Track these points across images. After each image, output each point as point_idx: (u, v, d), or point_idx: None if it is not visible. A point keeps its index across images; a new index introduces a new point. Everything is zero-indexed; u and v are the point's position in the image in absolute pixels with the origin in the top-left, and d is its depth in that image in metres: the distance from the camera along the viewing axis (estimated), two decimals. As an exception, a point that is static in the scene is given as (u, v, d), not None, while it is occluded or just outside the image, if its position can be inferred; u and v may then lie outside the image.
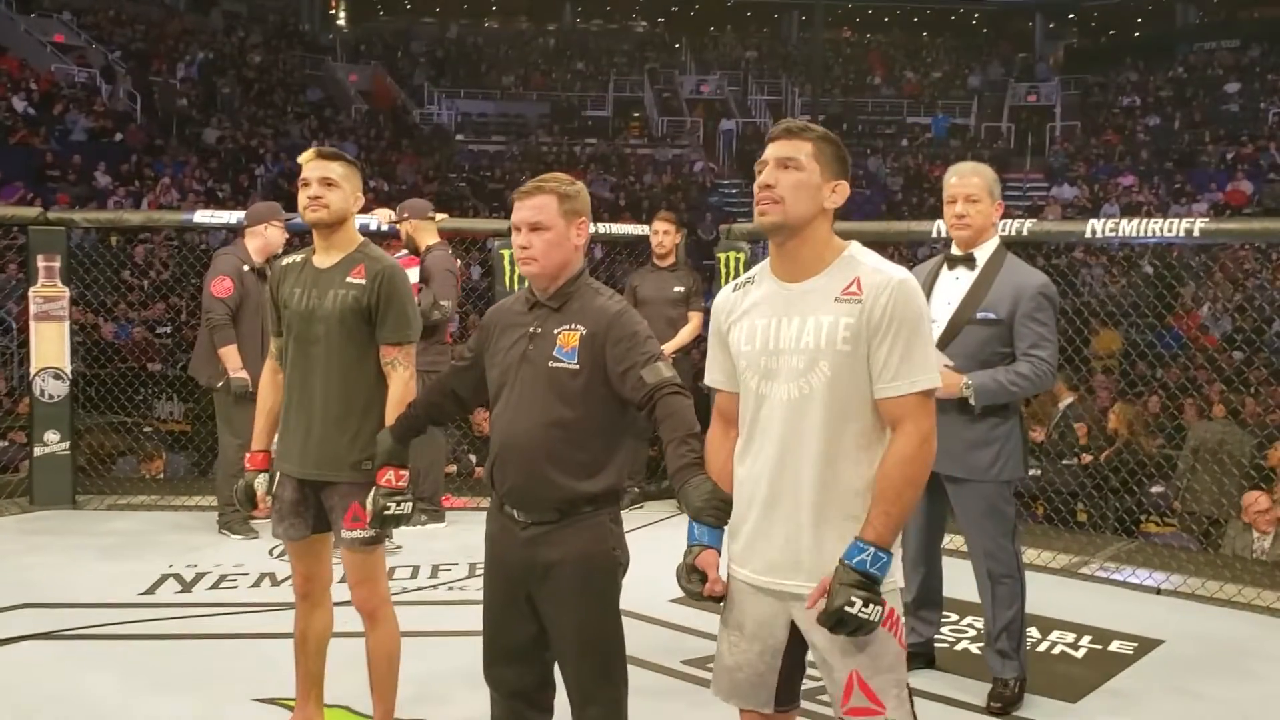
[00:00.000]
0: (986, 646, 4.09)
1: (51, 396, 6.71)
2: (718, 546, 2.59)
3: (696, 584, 2.58)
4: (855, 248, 2.45)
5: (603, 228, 7.68)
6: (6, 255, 11.09)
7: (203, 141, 21.92)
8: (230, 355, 6.06)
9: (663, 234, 6.81)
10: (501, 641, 3.02)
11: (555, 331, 2.87)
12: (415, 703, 3.78)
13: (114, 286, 9.13)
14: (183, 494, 7.19)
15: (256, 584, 5.36)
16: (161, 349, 11.97)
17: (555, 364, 2.84)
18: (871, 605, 2.26)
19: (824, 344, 2.36)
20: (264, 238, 6.24)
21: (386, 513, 3.19)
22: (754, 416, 2.48)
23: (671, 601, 4.97)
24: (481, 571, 5.48)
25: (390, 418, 3.30)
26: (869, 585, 2.27)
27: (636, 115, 28.88)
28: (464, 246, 10.27)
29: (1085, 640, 4.71)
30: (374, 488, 3.23)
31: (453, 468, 8.12)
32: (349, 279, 3.33)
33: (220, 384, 6.12)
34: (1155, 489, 8.03)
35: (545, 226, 2.85)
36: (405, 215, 6.44)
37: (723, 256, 6.90)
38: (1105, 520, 7.33)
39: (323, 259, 3.41)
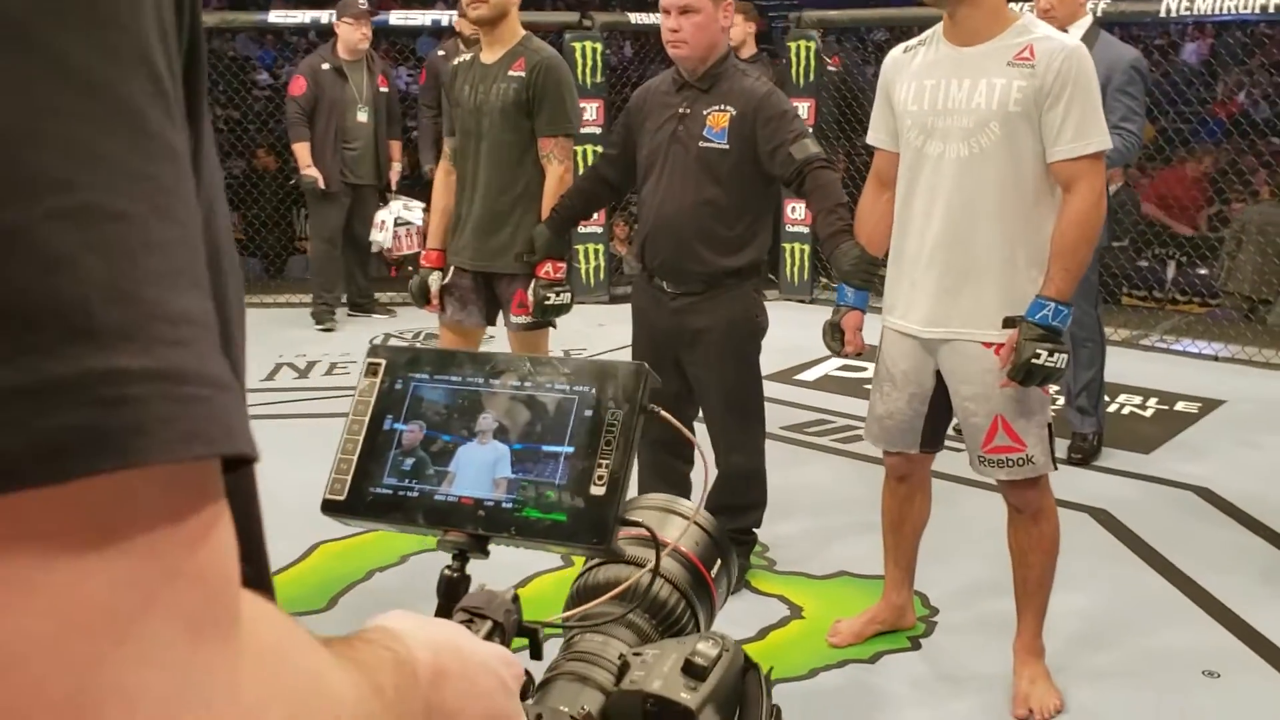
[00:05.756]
0: (1067, 405, 4.42)
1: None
2: (863, 308, 2.86)
3: (837, 342, 2.86)
4: (1028, 17, 2.58)
5: (634, 18, 7.46)
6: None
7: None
8: (301, 152, 6.26)
9: (739, 25, 6.72)
10: (650, 399, 3.33)
11: (705, 112, 3.05)
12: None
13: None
14: (271, 292, 7.52)
15: (367, 370, 5.71)
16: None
17: (705, 144, 3.04)
18: (1057, 354, 2.47)
19: (995, 105, 2.49)
20: (338, 34, 6.36)
21: (547, 303, 3.38)
22: (915, 175, 2.63)
23: (764, 378, 5.30)
24: (577, 357, 5.88)
25: (546, 211, 3.42)
26: (1053, 337, 2.48)
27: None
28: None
29: (1152, 402, 5.05)
30: (534, 279, 3.40)
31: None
32: (510, 72, 3.38)
33: (293, 180, 6.35)
34: (1200, 271, 8.25)
35: (694, 9, 2.99)
36: None
37: (793, 45, 6.95)
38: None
39: (488, 54, 3.46)
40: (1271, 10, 5.21)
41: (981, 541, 3.33)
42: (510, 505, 0.81)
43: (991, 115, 2.51)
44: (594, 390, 0.82)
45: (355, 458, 0.86)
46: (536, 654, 0.82)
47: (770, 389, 5.23)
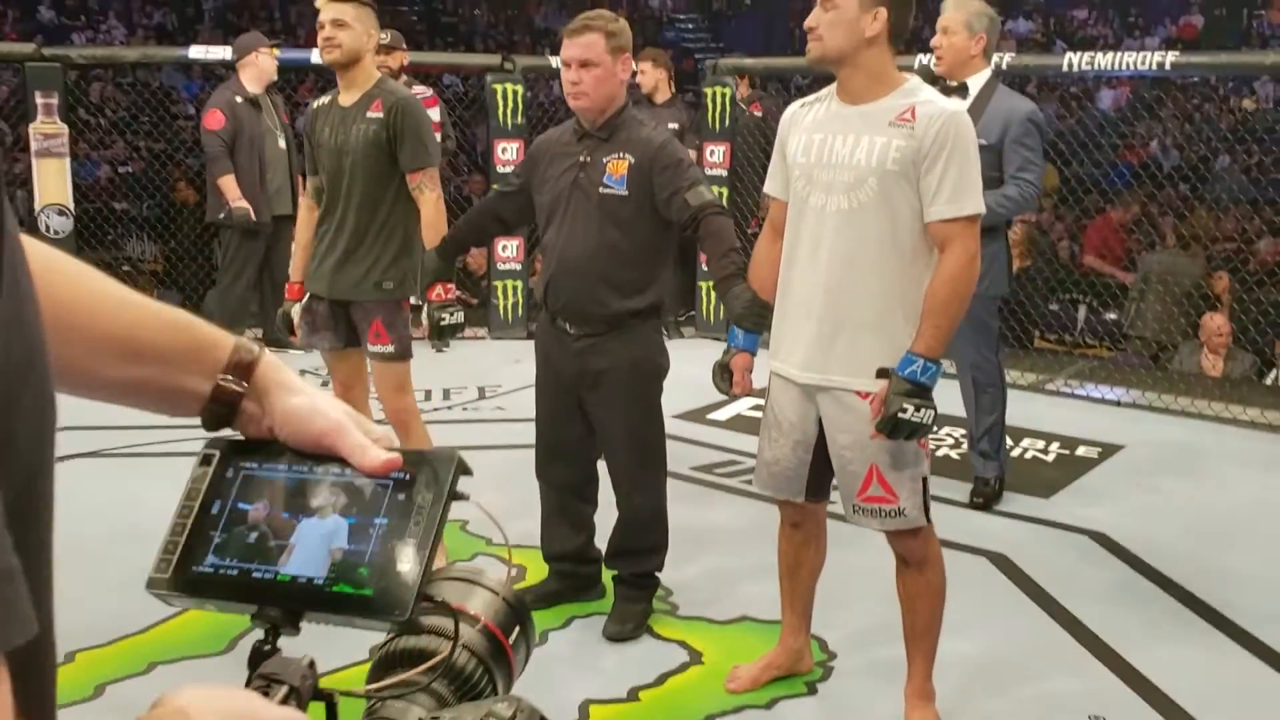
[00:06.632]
0: (970, 449, 4.51)
1: (57, 232, 6.85)
2: (752, 350, 2.92)
3: (725, 382, 2.92)
4: (914, 81, 2.68)
5: (554, 61, 7.54)
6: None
7: (146, -27, 21.19)
8: (228, 185, 6.21)
9: (648, 73, 6.80)
10: (553, 441, 3.37)
11: (604, 160, 3.12)
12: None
13: (69, 124, 9.12)
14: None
15: (280, 407, 5.65)
16: (122, 186, 11.90)
17: (606, 190, 3.11)
18: (923, 410, 2.53)
19: (874, 163, 2.58)
20: (257, 66, 6.34)
21: (442, 323, 3.51)
22: (800, 224, 2.73)
23: (674, 417, 5.34)
24: (490, 394, 5.89)
25: (427, 238, 3.56)
26: (919, 393, 2.53)
27: (590, -54, 28.18)
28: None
29: (1054, 446, 5.16)
30: (427, 303, 3.52)
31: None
32: (369, 114, 3.55)
33: (222, 215, 6.28)
34: (1109, 315, 8.45)
35: (594, 63, 3.08)
36: (403, 46, 6.40)
37: (709, 91, 7.02)
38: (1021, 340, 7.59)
39: (345, 98, 3.62)
40: (1167, 68, 5.40)
41: (879, 585, 3.35)
42: (323, 581, 0.86)
43: (870, 172, 2.59)
44: (408, 475, 0.88)
45: (182, 539, 0.91)
46: (332, 718, 0.86)
47: (682, 428, 5.31)
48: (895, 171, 2.57)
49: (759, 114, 7.30)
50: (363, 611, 0.85)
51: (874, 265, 2.62)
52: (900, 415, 2.52)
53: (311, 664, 0.86)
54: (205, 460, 0.94)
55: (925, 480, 2.73)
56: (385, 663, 0.94)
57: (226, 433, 0.98)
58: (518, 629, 0.97)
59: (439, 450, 0.90)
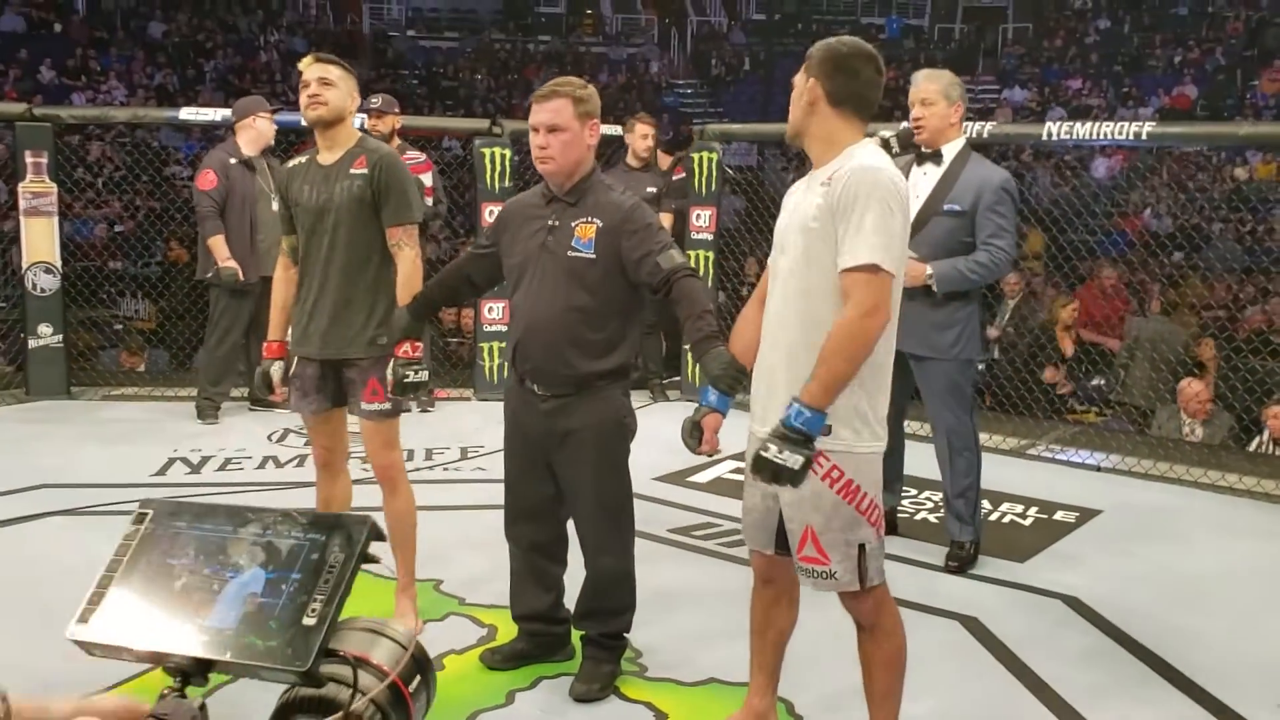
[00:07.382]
0: (945, 512, 4.51)
1: (43, 290, 6.89)
2: (724, 411, 2.95)
3: (695, 440, 2.94)
4: (861, 143, 2.73)
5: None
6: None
7: (148, 35, 21.52)
8: (218, 245, 6.27)
9: (652, 138, 6.86)
10: (522, 502, 3.37)
11: (572, 224, 3.17)
12: (425, 565, 4.11)
13: (62, 184, 9.15)
14: (175, 385, 7.44)
15: (261, 466, 5.66)
16: (111, 245, 11.98)
17: (573, 254, 3.14)
18: (786, 454, 2.51)
19: (799, 221, 2.69)
20: (255, 129, 6.43)
21: (406, 380, 3.50)
22: (769, 286, 2.83)
23: (654, 479, 5.36)
24: (472, 454, 5.90)
25: (401, 295, 3.56)
26: (789, 436, 2.52)
27: (590, 12, 28.58)
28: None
29: (1032, 511, 5.16)
30: (393, 359, 3.52)
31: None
32: (352, 171, 3.57)
33: (210, 274, 6.33)
34: (1094, 381, 8.47)
35: (562, 128, 3.13)
36: (396, 110, 6.48)
37: (696, 157, 7.10)
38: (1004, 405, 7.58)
39: (326, 156, 3.63)
40: (1144, 137, 5.47)
41: (850, 648, 3.32)
42: (234, 633, 0.92)
43: (796, 230, 2.70)
44: (324, 538, 0.96)
45: (108, 590, 0.98)
46: None
47: (662, 490, 5.31)
48: (815, 229, 2.64)
49: (680, 177, 7.22)
50: (268, 660, 0.90)
51: (801, 321, 2.69)
52: (762, 454, 2.54)
53: (203, 706, 0.91)
54: (139, 519, 1.02)
55: (864, 547, 2.71)
56: (285, 710, 0.98)
57: (163, 493, 1.02)
58: (418, 678, 1.01)
59: (354, 515, 0.97)
